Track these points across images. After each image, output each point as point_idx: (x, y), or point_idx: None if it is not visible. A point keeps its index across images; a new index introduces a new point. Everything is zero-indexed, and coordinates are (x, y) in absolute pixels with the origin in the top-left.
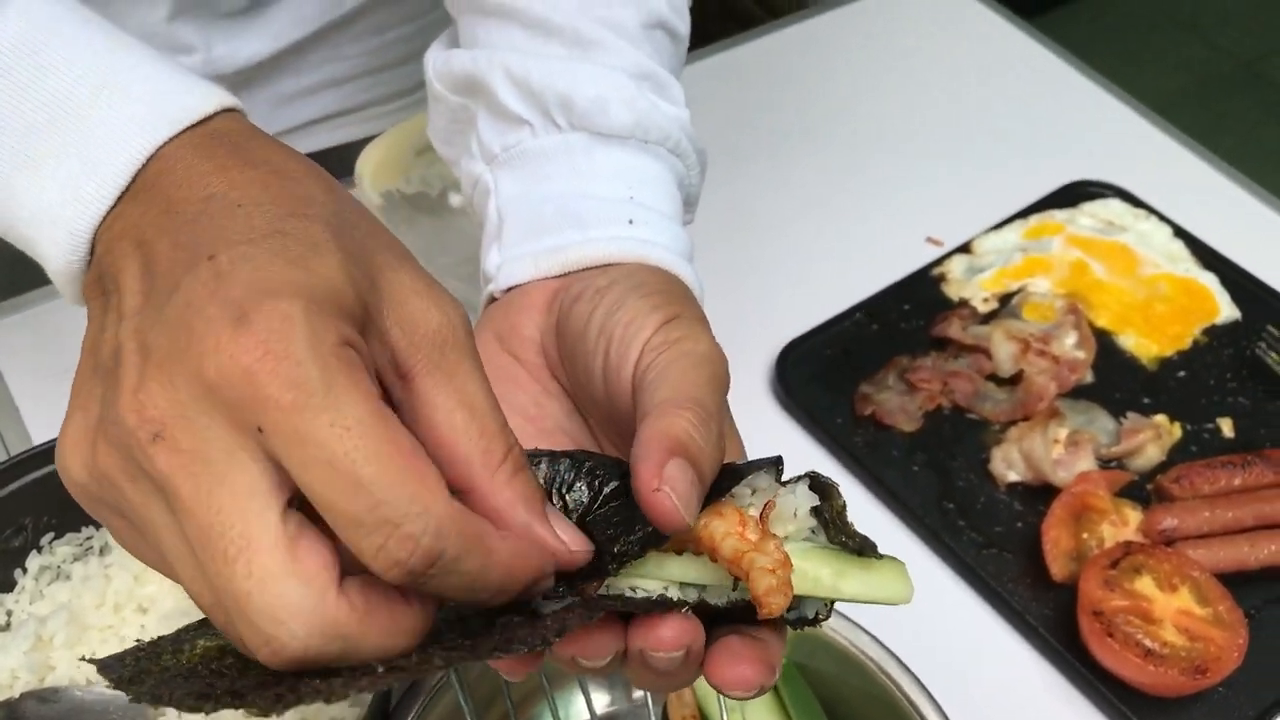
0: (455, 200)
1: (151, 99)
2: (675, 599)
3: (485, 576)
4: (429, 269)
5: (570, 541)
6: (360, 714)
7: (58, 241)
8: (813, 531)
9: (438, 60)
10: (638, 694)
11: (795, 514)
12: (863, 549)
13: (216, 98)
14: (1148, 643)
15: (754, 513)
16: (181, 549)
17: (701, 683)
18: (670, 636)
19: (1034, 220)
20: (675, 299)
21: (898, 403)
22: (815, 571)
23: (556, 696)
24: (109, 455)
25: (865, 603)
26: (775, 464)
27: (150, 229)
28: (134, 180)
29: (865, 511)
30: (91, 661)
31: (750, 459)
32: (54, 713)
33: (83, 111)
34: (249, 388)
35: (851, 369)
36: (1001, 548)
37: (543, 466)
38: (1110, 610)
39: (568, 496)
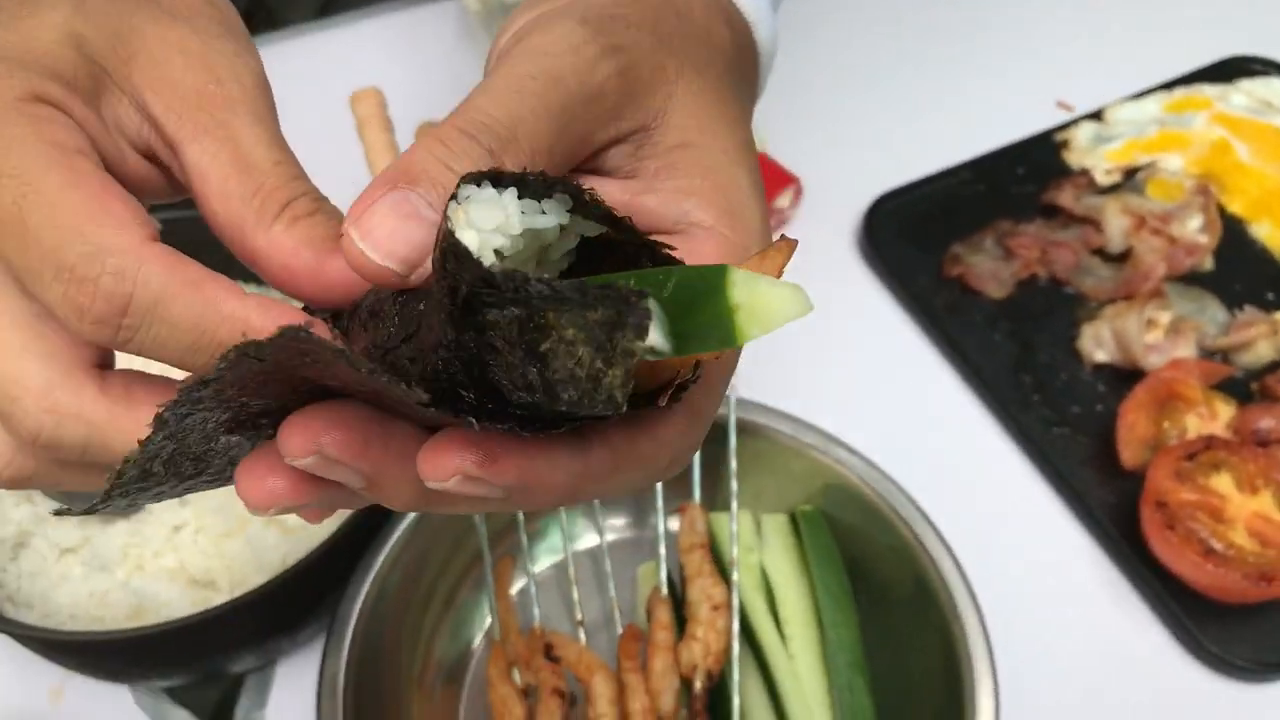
0: None
1: None
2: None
3: (203, 328)
4: None
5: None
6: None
7: None
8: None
9: None
10: (632, 524)
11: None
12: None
13: None
14: (1212, 541)
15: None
16: None
17: (718, 517)
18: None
19: (1179, 93)
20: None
21: (990, 267)
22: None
23: (569, 522)
24: None
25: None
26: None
27: None
28: None
29: (934, 374)
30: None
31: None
32: None
33: None
34: None
35: (947, 228)
36: (1074, 428)
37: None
38: (1176, 503)
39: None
